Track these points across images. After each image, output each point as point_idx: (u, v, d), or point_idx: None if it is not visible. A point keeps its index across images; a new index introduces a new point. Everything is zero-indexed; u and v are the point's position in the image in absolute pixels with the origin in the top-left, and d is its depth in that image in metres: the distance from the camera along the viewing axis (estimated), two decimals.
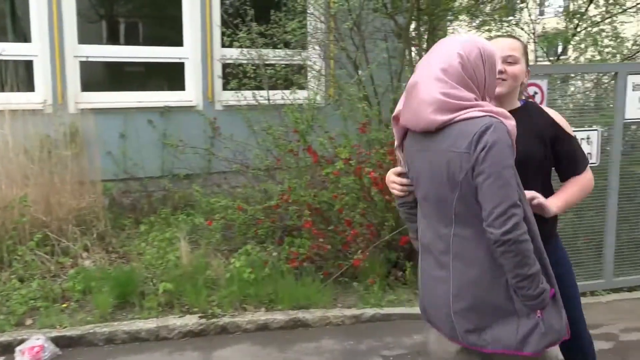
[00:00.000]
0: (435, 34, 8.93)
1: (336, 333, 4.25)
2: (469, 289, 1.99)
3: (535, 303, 1.94)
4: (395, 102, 7.07)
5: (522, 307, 1.95)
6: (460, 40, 2.02)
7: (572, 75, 5.58)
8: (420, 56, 8.60)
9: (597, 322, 4.41)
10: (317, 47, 6.97)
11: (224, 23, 6.80)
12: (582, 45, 8.06)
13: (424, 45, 8.86)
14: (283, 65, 6.43)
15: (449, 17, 9.48)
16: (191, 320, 4.22)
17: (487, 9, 10.00)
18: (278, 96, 6.18)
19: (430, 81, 1.96)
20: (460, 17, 9.95)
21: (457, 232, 1.99)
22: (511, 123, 1.96)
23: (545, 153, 2.43)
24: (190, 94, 7.00)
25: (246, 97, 6.31)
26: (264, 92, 6.29)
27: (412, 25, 8.04)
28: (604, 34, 7.87)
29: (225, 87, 6.99)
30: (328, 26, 7.00)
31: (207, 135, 6.77)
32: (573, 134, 2.52)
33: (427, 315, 2.20)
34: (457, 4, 9.20)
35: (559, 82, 5.23)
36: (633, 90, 4.80)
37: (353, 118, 5.38)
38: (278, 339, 4.15)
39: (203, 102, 6.97)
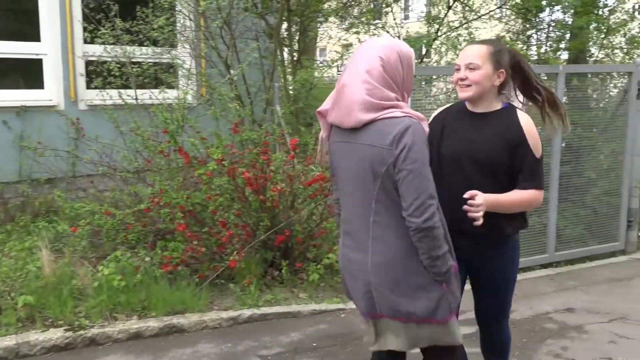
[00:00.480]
0: (306, 34, 9.09)
1: (213, 336, 4.18)
2: (386, 269, 2.25)
3: (443, 278, 2.25)
4: (268, 101, 7.16)
5: (430, 283, 2.24)
6: (381, 45, 2.26)
7: (434, 77, 5.91)
8: (292, 56, 8.72)
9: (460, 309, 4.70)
10: (186, 46, 6.82)
11: (85, 18, 6.46)
12: (443, 49, 8.57)
13: (295, 46, 8.98)
14: (151, 64, 6.22)
15: (319, 19, 9.68)
16: (56, 334, 3.96)
17: (355, 12, 10.33)
18: (146, 95, 5.97)
19: (357, 83, 2.20)
20: (330, 19, 10.20)
21: (376, 218, 2.25)
22: (425, 124, 2.24)
23: (507, 158, 2.54)
24: (50, 93, 6.56)
25: (112, 96, 6.03)
26: (131, 91, 6.04)
27: (284, 26, 8.12)
28: (461, 38, 8.41)
29: (89, 86, 6.64)
30: (197, 24, 6.88)
31: (70, 137, 6.39)
32: (538, 154, 2.56)
33: (350, 294, 2.48)
34: (326, 6, 9.41)
35: (423, 83, 5.52)
36: None
37: (226, 118, 5.32)
38: (152, 347, 4.00)
39: (65, 101, 6.57)
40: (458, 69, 2.59)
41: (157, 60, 6.45)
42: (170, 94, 5.80)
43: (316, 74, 8.82)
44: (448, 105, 2.84)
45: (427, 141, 2.19)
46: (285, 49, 8.46)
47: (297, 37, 8.94)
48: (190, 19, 6.86)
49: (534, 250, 5.61)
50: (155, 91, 5.85)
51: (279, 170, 5.01)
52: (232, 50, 6.74)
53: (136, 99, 6.01)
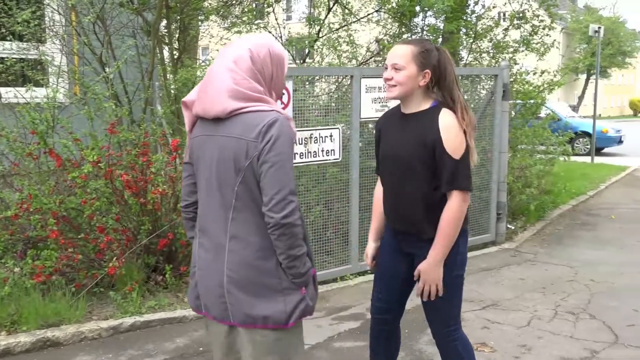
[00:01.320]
0: (187, 32, 8.88)
1: (92, 348, 3.97)
2: (243, 270, 2.14)
3: (302, 280, 2.18)
4: (148, 100, 6.92)
5: (288, 286, 2.16)
6: (253, 39, 2.22)
7: (317, 77, 5.99)
8: (172, 55, 8.48)
9: (346, 304, 4.81)
10: (56, 41, 6.42)
11: None
12: (324, 50, 8.71)
13: (176, 44, 8.75)
14: (16, 60, 5.79)
15: (199, 17, 9.49)
16: None
17: (237, 11, 10.24)
18: (11, 94, 5.56)
19: (224, 71, 2.13)
20: (212, 18, 10.03)
21: (235, 215, 2.15)
22: (293, 124, 2.18)
23: (427, 159, 2.53)
24: None
25: None
26: None
27: (163, 23, 7.88)
28: (341, 40, 8.59)
29: None
30: (68, 19, 6.50)
31: None
32: (457, 154, 2.50)
33: (200, 302, 2.29)
34: (206, 4, 9.25)
35: (307, 83, 5.57)
36: (366, 92, 5.32)
37: (101, 118, 5.07)
38: None
39: None
40: (386, 68, 2.60)
41: (23, 56, 6.02)
42: (39, 92, 5.43)
43: (198, 73, 8.63)
44: (389, 109, 2.84)
45: (293, 139, 2.14)
46: (165, 47, 8.21)
47: (177, 35, 8.70)
48: (60, 13, 6.47)
49: None
50: (22, 89, 5.46)
51: (160, 171, 4.86)
52: (107, 47, 6.43)
53: (0, 97, 5.58)
